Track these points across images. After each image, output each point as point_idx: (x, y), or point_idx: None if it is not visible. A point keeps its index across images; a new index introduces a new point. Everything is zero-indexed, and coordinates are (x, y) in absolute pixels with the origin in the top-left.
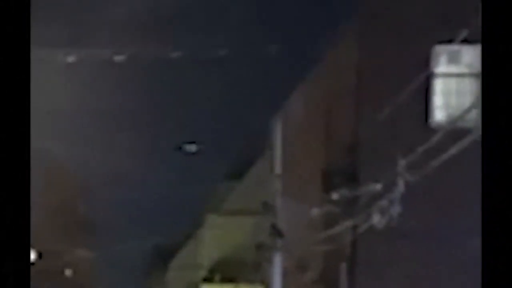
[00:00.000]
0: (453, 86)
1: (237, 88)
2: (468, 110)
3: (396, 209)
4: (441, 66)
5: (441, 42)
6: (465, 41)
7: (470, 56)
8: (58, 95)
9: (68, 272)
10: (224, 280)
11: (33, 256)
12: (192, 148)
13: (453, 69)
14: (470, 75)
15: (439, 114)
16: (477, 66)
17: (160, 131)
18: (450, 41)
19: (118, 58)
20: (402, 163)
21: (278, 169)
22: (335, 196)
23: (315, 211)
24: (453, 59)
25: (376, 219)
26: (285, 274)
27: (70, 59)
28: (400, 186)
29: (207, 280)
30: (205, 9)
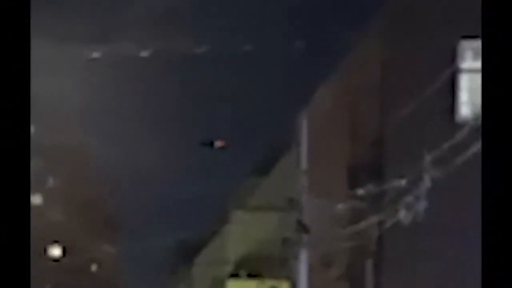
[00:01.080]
0: (478, 81)
1: (263, 84)
2: None
3: (422, 205)
4: (467, 62)
5: (466, 37)
6: None
7: None
8: (83, 91)
9: (93, 267)
10: (250, 275)
11: (58, 251)
12: (218, 144)
13: (478, 64)
14: None
15: (464, 109)
16: None
17: (185, 127)
18: (475, 37)
19: (144, 53)
20: (427, 158)
21: (304, 165)
22: (360, 191)
23: (341, 207)
24: (478, 54)
25: (402, 215)
26: (311, 270)
27: (95, 54)
28: (426, 182)
29: (233, 275)
30: (231, 5)
